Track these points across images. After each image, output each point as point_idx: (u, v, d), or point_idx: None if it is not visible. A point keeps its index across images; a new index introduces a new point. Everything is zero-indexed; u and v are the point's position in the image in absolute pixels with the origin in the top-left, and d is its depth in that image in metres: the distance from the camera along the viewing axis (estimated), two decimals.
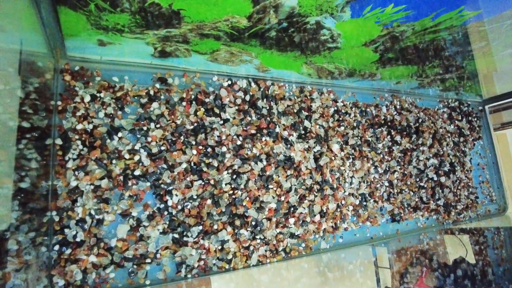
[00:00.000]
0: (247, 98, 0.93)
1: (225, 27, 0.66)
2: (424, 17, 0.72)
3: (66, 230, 0.68)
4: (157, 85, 0.82)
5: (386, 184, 1.15)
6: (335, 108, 1.10)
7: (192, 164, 0.82)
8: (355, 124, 1.12)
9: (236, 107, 0.91)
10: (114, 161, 0.74)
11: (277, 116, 0.97)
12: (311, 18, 0.66)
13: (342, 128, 1.09)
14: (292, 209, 0.94)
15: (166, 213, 0.78)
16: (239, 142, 0.88)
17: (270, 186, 0.90)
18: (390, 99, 1.26)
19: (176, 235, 0.78)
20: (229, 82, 0.92)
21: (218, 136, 0.86)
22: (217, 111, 0.87)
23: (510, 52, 0.95)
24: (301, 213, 0.95)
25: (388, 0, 0.64)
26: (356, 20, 0.69)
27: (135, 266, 0.73)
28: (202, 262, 0.80)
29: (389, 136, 1.20)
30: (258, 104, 0.94)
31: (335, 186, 1.02)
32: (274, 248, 0.90)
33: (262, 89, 0.96)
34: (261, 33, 0.71)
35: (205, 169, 0.83)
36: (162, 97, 0.82)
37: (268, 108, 0.96)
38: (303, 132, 1.01)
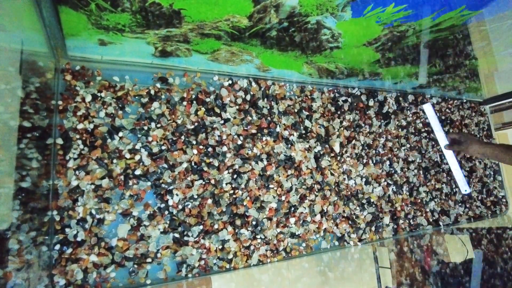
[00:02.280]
0: (248, 97, 0.93)
1: (226, 26, 0.66)
2: (425, 16, 0.72)
3: (67, 230, 0.68)
4: (158, 85, 0.82)
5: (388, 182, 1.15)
6: (336, 108, 1.09)
7: (193, 164, 0.82)
8: (356, 124, 1.12)
9: (237, 107, 0.91)
10: (115, 161, 0.74)
11: (278, 116, 0.97)
12: (311, 17, 0.66)
13: (343, 127, 1.09)
14: (292, 208, 0.94)
15: (166, 212, 0.78)
16: (239, 142, 0.88)
17: (271, 186, 0.90)
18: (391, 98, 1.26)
19: (177, 235, 0.78)
20: (230, 81, 0.92)
21: (218, 136, 0.86)
22: (217, 110, 0.87)
23: (510, 52, 0.95)
24: (302, 212, 0.95)
25: (388, 0, 0.64)
26: (357, 19, 0.69)
27: (135, 266, 0.73)
28: (202, 262, 0.80)
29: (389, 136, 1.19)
30: (259, 103, 0.94)
31: (333, 187, 1.02)
32: (274, 247, 0.90)
33: (262, 89, 0.96)
34: (262, 33, 0.71)
35: (205, 168, 0.83)
36: (162, 96, 0.82)
37: (268, 107, 0.96)
38: (303, 131, 1.01)
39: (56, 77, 0.72)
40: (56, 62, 0.72)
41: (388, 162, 1.17)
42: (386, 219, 1.11)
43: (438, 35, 0.81)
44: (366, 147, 1.13)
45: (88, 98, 0.73)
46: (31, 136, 0.58)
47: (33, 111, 0.60)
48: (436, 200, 1.27)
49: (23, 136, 0.54)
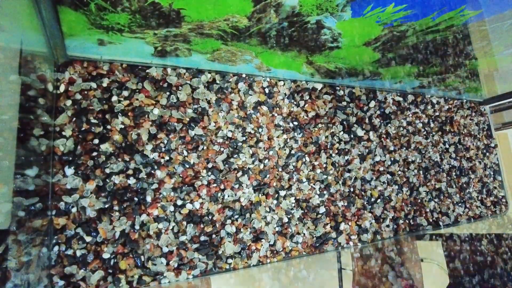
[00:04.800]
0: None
1: (226, 26, 0.66)
2: (425, 16, 0.71)
3: (66, 230, 0.68)
4: None
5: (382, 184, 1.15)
6: (336, 107, 1.09)
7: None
8: (356, 123, 1.12)
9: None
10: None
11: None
12: (311, 17, 0.66)
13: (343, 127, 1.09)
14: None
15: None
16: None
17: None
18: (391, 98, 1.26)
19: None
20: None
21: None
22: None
23: (511, 52, 0.95)
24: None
25: (388, 0, 0.63)
26: (357, 19, 0.69)
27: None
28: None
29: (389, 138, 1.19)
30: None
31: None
32: (274, 248, 0.90)
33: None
34: (262, 33, 0.70)
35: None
36: None
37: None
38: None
39: (55, 77, 0.72)
40: (56, 62, 0.72)
41: (388, 162, 1.17)
42: (386, 220, 1.11)
43: (438, 35, 0.80)
44: (364, 147, 1.13)
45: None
46: (30, 136, 0.58)
47: (33, 111, 0.60)
48: (436, 200, 1.27)
49: (22, 136, 0.54)
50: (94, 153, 0.72)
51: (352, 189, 1.07)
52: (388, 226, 1.12)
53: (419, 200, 1.23)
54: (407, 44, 0.84)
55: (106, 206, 0.72)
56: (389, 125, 1.20)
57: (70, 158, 0.70)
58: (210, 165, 0.84)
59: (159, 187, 0.78)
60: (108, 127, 0.75)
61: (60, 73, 0.72)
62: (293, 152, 0.97)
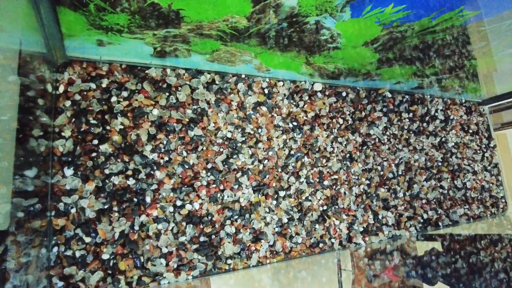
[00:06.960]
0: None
1: (225, 27, 0.66)
2: (424, 17, 0.72)
3: (66, 231, 0.68)
4: None
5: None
6: (335, 108, 1.09)
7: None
8: (354, 124, 1.12)
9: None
10: None
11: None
12: (310, 18, 0.66)
13: (342, 127, 1.09)
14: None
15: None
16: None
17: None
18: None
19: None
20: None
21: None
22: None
23: (510, 52, 0.95)
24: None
25: (388, 0, 0.64)
26: (356, 20, 0.69)
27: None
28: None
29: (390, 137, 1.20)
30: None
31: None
32: (274, 249, 0.90)
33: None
34: (261, 33, 0.70)
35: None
36: None
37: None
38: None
39: (54, 78, 0.72)
40: (55, 63, 0.72)
41: (392, 165, 1.17)
42: (390, 220, 1.11)
43: (437, 35, 0.81)
44: (364, 147, 1.13)
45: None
46: (29, 137, 0.58)
47: (32, 112, 0.59)
48: (435, 200, 1.27)
49: (21, 136, 0.54)
50: (94, 154, 0.72)
51: (352, 188, 1.07)
52: (389, 226, 1.12)
53: (419, 200, 1.23)
54: (406, 45, 0.84)
55: (106, 206, 0.72)
56: (389, 125, 1.20)
57: (70, 159, 0.70)
58: (209, 166, 0.84)
59: (159, 187, 0.78)
60: (108, 127, 0.75)
61: (59, 73, 0.72)
62: (292, 152, 0.97)
